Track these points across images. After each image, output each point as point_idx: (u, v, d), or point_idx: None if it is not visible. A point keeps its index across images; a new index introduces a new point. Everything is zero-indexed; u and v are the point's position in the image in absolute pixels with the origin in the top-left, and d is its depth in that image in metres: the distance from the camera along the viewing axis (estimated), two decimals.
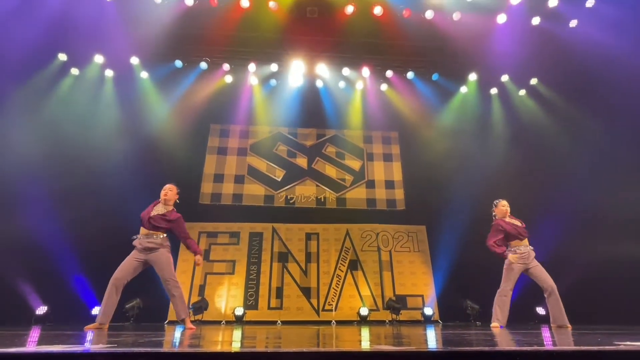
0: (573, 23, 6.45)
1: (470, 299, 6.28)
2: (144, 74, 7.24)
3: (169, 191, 4.03)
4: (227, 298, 6.20)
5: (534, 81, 7.49)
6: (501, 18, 6.47)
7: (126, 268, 3.80)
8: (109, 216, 5.99)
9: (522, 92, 7.65)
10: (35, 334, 3.05)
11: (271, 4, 6.26)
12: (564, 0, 6.22)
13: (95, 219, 5.99)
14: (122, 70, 7.10)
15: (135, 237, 3.95)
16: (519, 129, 7.45)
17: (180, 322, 3.95)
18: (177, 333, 3.16)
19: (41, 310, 5.57)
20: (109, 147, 6.60)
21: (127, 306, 5.60)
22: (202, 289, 6.22)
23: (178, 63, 7.15)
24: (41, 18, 5.95)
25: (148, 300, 5.84)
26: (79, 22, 6.22)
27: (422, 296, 6.50)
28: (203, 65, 7.26)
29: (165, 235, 3.95)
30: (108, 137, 6.70)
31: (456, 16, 6.42)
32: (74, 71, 6.90)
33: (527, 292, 5.86)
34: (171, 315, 5.77)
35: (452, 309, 6.37)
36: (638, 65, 5.85)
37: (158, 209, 3.98)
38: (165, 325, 5.41)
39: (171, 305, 5.22)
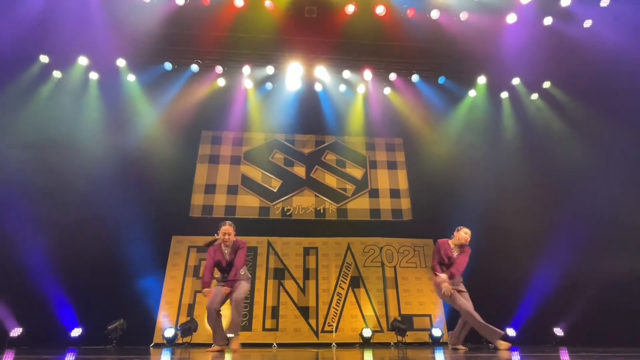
0: (587, 23, 6.39)
1: (482, 318, 5.91)
2: (131, 77, 7.17)
3: (228, 235, 4.22)
4: None
5: (546, 84, 7.44)
6: (511, 18, 6.43)
7: (217, 293, 4.08)
8: (93, 229, 5.89)
9: (535, 95, 7.61)
10: (8, 358, 3.01)
11: (267, 3, 6.17)
12: None
13: (78, 233, 5.84)
14: (107, 73, 7.04)
15: (216, 279, 4.28)
16: (531, 134, 7.40)
17: (229, 338, 4.14)
18: (164, 356, 3.11)
19: (16, 331, 5.29)
20: (94, 155, 6.58)
21: (109, 327, 5.42)
22: (191, 308, 6.06)
23: (167, 65, 7.06)
24: (21, 17, 5.85)
25: (132, 321, 5.65)
26: (62, 21, 6.15)
27: (429, 316, 6.33)
28: (194, 67, 7.16)
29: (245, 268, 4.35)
30: (92, 144, 6.68)
31: (463, 16, 6.37)
32: (57, 74, 6.84)
33: (544, 312, 5.93)
34: (157, 338, 5.74)
35: None
36: None
37: (225, 252, 4.25)
38: (151, 349, 5.31)
39: (158, 325, 5.76)
